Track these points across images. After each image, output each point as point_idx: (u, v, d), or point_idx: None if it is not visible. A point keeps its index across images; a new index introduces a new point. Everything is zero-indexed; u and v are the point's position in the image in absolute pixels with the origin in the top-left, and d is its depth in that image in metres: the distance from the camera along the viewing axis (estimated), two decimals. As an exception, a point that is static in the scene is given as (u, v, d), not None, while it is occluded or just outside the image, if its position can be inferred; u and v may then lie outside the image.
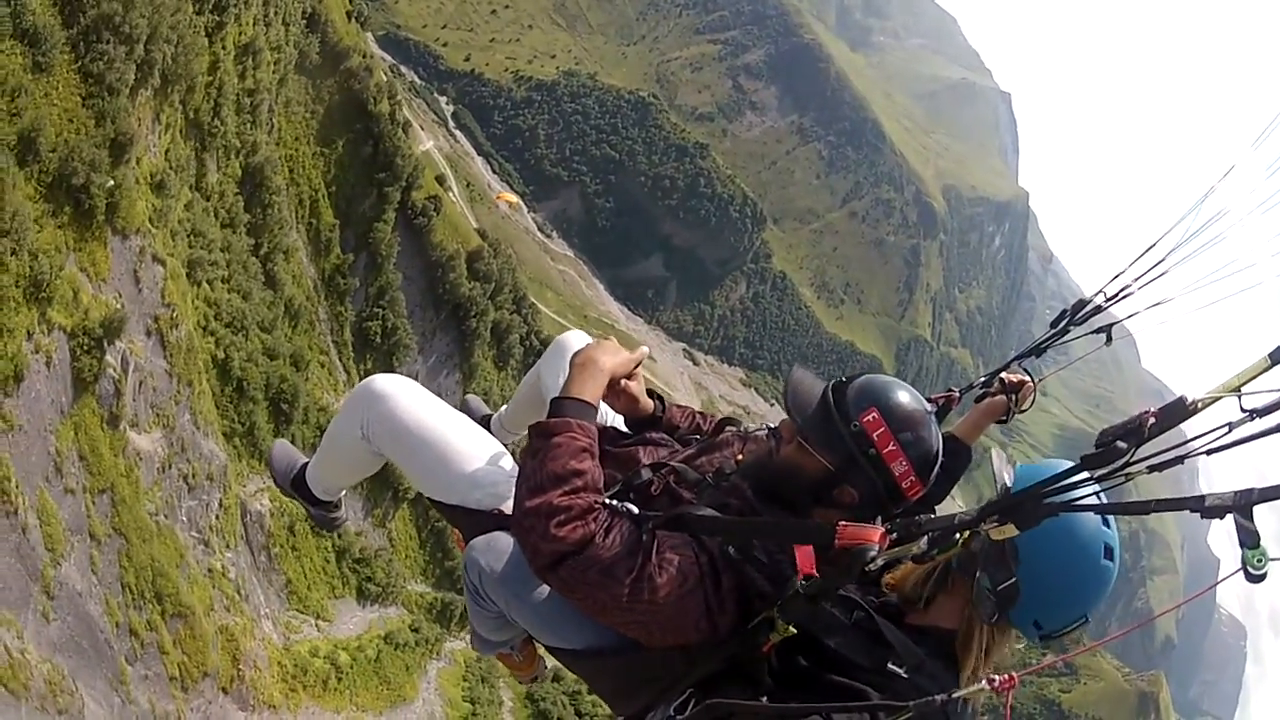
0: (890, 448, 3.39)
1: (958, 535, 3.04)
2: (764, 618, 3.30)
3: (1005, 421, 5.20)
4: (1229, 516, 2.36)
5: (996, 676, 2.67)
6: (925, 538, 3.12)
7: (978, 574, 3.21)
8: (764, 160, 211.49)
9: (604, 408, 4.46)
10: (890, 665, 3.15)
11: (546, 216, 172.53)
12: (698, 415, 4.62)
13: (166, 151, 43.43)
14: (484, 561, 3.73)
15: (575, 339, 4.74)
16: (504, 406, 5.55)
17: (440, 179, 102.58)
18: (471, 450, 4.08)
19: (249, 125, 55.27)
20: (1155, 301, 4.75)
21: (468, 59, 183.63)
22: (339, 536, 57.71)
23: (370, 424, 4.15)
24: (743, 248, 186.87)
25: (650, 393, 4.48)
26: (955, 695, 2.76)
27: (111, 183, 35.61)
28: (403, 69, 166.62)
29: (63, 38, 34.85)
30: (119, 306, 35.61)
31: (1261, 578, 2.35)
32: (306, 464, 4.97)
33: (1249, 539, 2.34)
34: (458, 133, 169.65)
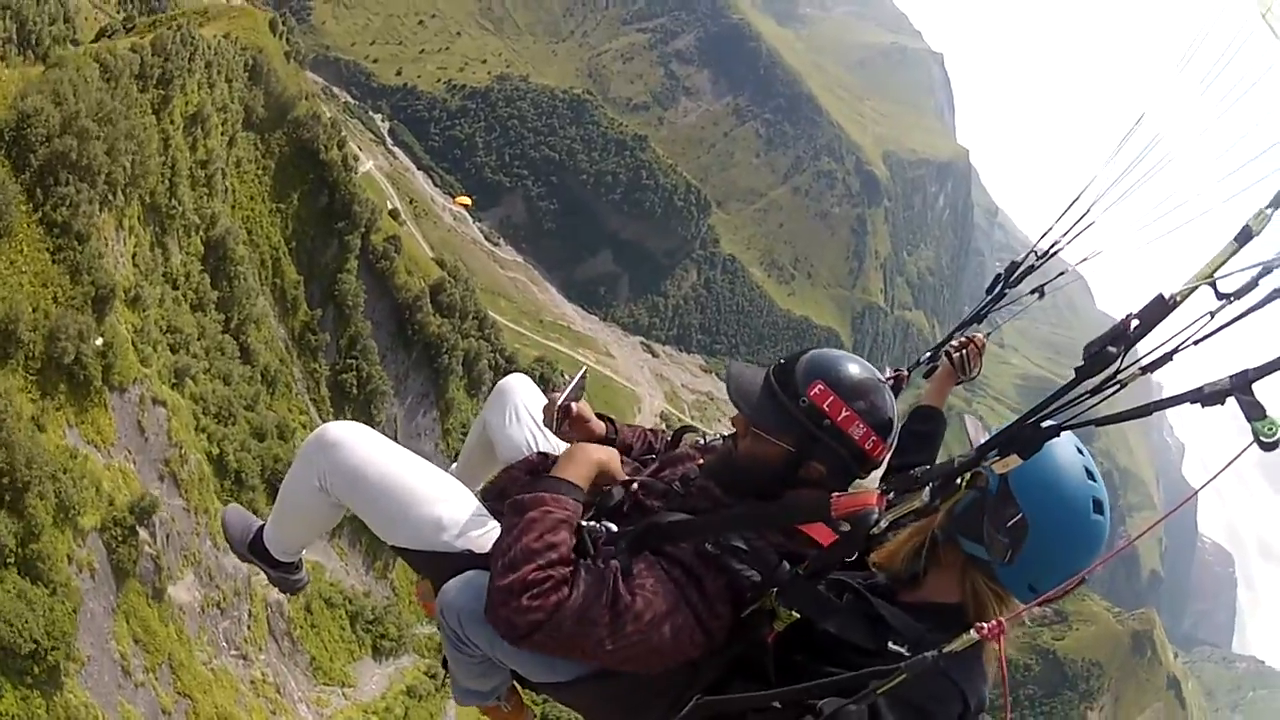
0: (844, 414, 3.47)
1: (959, 480, 2.97)
2: (762, 608, 3.31)
3: (962, 382, 5.26)
4: (1230, 400, 2.34)
5: (985, 625, 2.66)
6: (927, 489, 3.06)
7: (984, 519, 3.15)
8: (703, 145, 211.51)
9: (555, 442, 4.57)
10: (892, 645, 3.10)
11: (492, 224, 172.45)
12: (648, 433, 4.72)
13: (134, 256, 43.27)
14: (462, 602, 3.60)
15: (516, 381, 4.85)
16: (453, 464, 5.36)
17: (394, 213, 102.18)
18: (434, 492, 3.92)
19: (205, 197, 55.05)
20: (1084, 257, 4.79)
21: (399, 73, 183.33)
22: (349, 602, 57.99)
23: (327, 474, 3.97)
24: (690, 235, 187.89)
25: (600, 415, 4.55)
26: (945, 650, 2.71)
27: (100, 341, 35.29)
28: (335, 90, 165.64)
29: (16, 190, 34.07)
30: (144, 489, 35.86)
31: (1275, 444, 2.28)
32: (263, 526, 4.74)
33: (1255, 412, 2.31)
34: (396, 149, 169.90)
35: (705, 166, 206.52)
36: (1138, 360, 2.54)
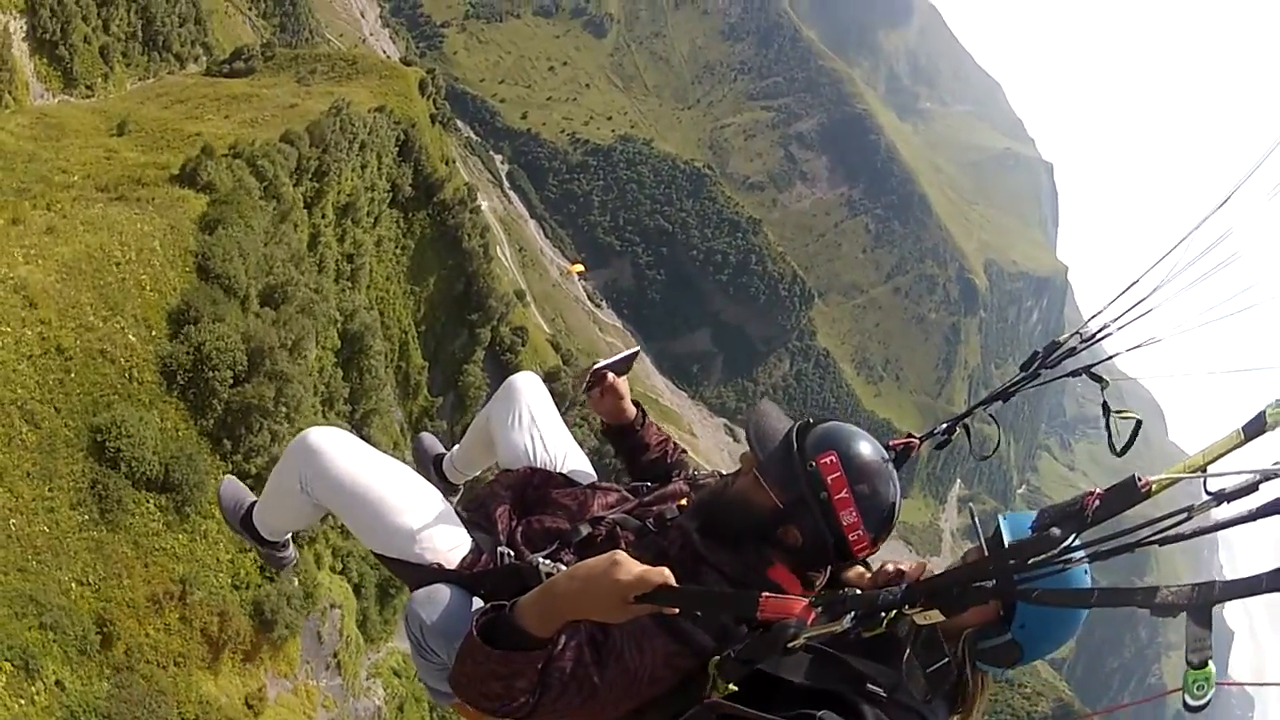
0: (842, 494, 3.34)
1: (883, 615, 2.79)
2: (710, 678, 3.16)
3: None
4: (1182, 616, 2.10)
5: None
6: (849, 615, 2.85)
7: (906, 654, 3.05)
8: (812, 233, 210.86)
9: (556, 454, 4.56)
10: (869, 686, 3.07)
11: (597, 285, 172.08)
12: (669, 443, 4.71)
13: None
14: (424, 614, 3.67)
15: (524, 382, 4.82)
16: (455, 447, 5.60)
17: (520, 294, 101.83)
18: (410, 504, 4.01)
19: (347, 290, 54.19)
20: (1137, 343, 4.17)
21: (524, 116, 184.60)
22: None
23: (308, 478, 4.12)
24: (789, 326, 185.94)
25: (634, 403, 4.65)
26: None
27: (296, 582, 34.68)
28: (459, 124, 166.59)
29: (205, 454, 32.26)
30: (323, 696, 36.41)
31: (1199, 708, 2.09)
32: (255, 503, 4.95)
33: (1197, 655, 2.06)
34: (511, 194, 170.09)
35: (812, 255, 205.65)
36: (1090, 544, 2.37)
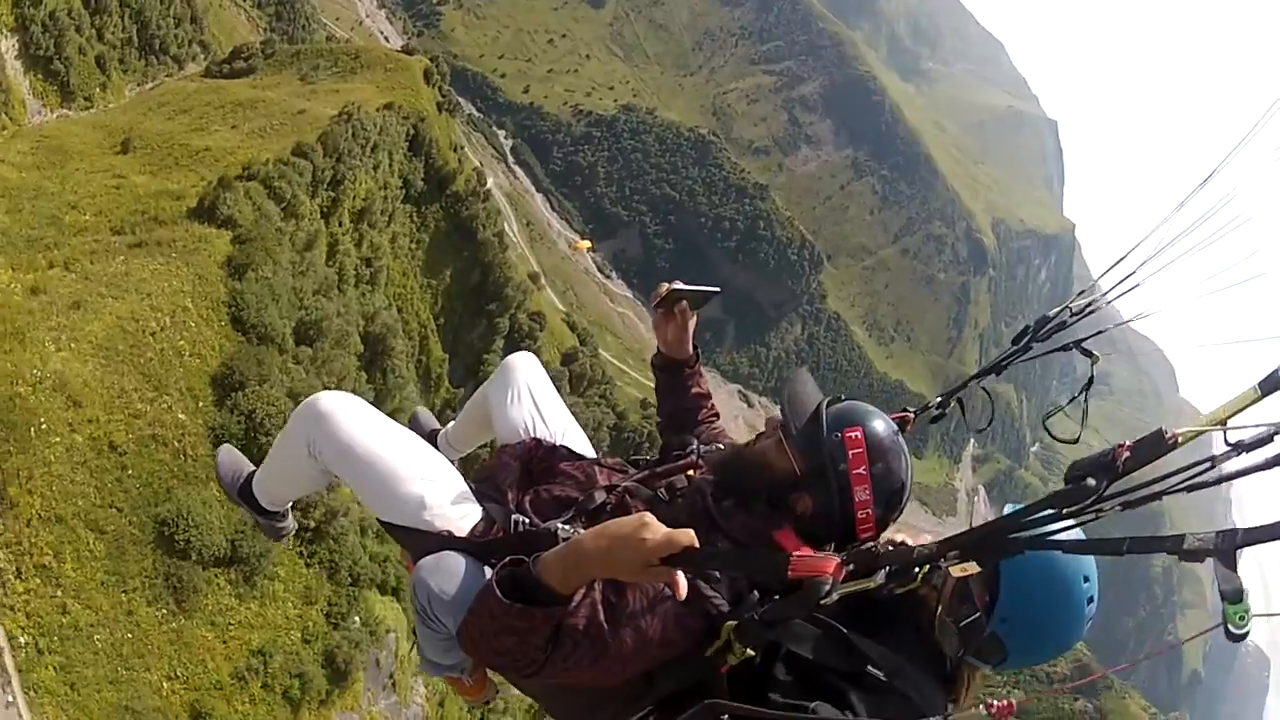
0: (860, 470, 3.39)
1: (917, 570, 2.77)
2: (723, 641, 3.18)
3: None
4: (1210, 561, 2.17)
5: (995, 702, 2.71)
6: (883, 571, 2.84)
7: (938, 609, 3.24)
8: (819, 196, 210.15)
9: (556, 430, 4.53)
10: (870, 670, 3.13)
11: (605, 256, 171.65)
12: (708, 402, 4.73)
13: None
14: (433, 583, 3.58)
15: (521, 361, 4.78)
16: (450, 423, 5.55)
17: (534, 277, 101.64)
18: (420, 470, 3.97)
19: (368, 293, 53.60)
20: (1139, 315, 4.09)
21: (526, 90, 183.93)
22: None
23: (316, 442, 4.03)
24: (799, 290, 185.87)
25: (694, 345, 4.65)
26: (951, 717, 2.84)
27: (357, 621, 34.97)
28: (461, 100, 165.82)
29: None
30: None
31: (1242, 637, 2.22)
32: (254, 472, 4.83)
33: (1231, 592, 2.19)
34: (517, 168, 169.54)
35: (819, 218, 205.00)
36: (1121, 494, 2.39)
